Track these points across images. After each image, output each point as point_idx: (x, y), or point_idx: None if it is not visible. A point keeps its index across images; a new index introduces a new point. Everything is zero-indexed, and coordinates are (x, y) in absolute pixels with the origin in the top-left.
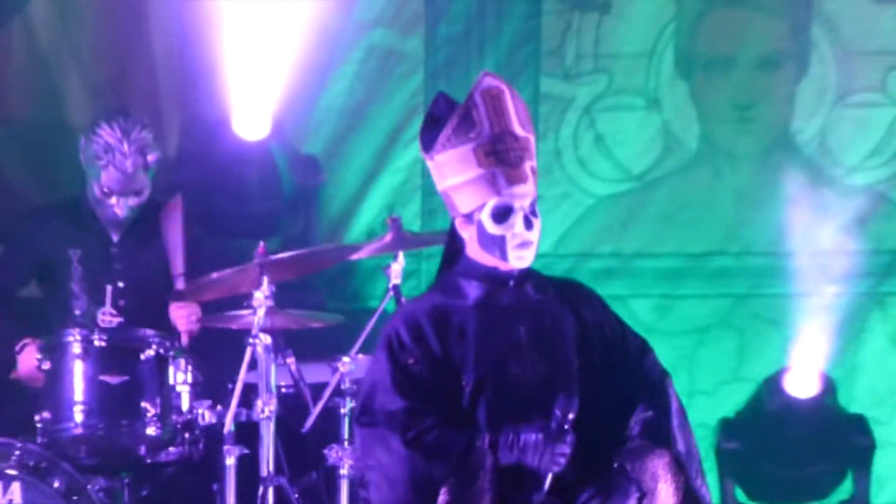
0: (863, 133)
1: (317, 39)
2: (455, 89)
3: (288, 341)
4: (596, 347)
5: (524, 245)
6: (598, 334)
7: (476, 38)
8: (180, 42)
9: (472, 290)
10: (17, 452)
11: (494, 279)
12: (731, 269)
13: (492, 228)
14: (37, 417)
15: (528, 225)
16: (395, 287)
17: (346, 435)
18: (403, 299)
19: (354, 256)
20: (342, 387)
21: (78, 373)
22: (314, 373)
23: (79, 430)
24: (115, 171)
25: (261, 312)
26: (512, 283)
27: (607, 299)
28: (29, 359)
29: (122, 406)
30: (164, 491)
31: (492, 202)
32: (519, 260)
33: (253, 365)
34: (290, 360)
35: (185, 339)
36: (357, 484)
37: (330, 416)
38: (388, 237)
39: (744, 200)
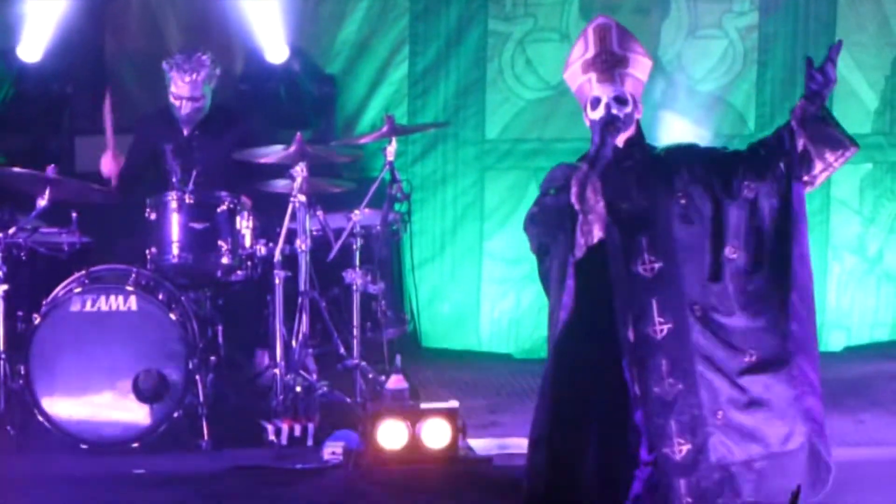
0: (705, 56)
1: None
2: (430, 29)
3: (317, 199)
4: (698, 177)
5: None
6: (701, 168)
7: None
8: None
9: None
10: (134, 275)
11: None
12: None
13: (591, 114)
14: (146, 251)
15: (608, 110)
16: (391, 163)
17: (357, 262)
18: (395, 170)
19: (362, 141)
20: (354, 231)
21: (174, 221)
22: (335, 221)
23: (175, 260)
24: (179, 82)
25: (299, 180)
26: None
27: (534, 172)
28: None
29: (204, 243)
30: (233, 301)
31: (589, 97)
32: None
33: (293, 216)
34: (319, 213)
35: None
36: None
37: (346, 250)
38: (385, 128)
39: None
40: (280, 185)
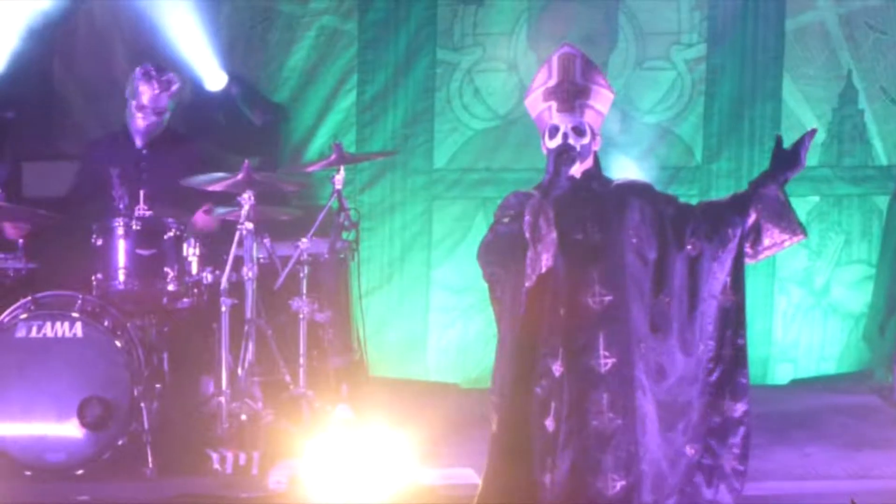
0: (653, 88)
1: (284, 22)
2: (379, 57)
3: (265, 227)
4: (648, 220)
5: None
6: (652, 211)
7: (393, 22)
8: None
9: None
10: (79, 301)
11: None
12: None
13: (548, 143)
14: (93, 277)
15: (565, 139)
16: (338, 191)
17: (304, 290)
18: (343, 199)
19: (310, 169)
20: (301, 258)
21: (121, 247)
22: (283, 249)
23: (121, 286)
24: (148, 92)
25: (246, 207)
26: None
27: (482, 202)
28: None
29: (151, 270)
30: (179, 328)
31: (548, 126)
32: None
33: (240, 243)
34: (266, 240)
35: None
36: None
37: (294, 278)
38: (333, 156)
39: None
40: (228, 211)
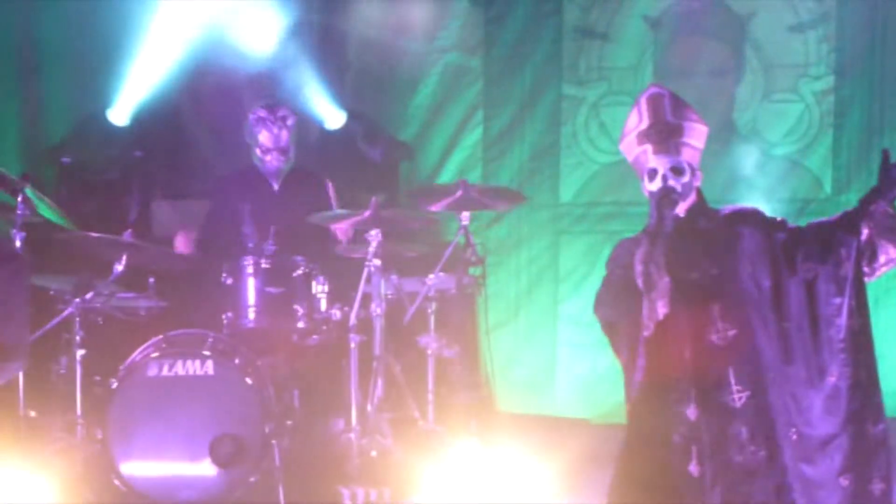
0: (781, 120)
1: (411, 60)
2: (504, 93)
3: (392, 263)
4: (759, 247)
5: None
6: (762, 237)
7: (518, 57)
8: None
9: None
10: (210, 339)
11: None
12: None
13: (648, 186)
14: (223, 316)
15: (664, 181)
16: (465, 227)
17: (432, 326)
18: (470, 234)
19: (438, 207)
20: (429, 294)
21: (250, 285)
22: (410, 285)
23: (252, 324)
24: (267, 134)
25: (374, 244)
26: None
27: (609, 236)
28: (182, 240)
29: (280, 308)
30: (309, 365)
31: (646, 169)
32: None
33: (368, 279)
34: (394, 277)
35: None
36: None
37: (421, 314)
38: (460, 193)
39: (701, 166)
40: (356, 248)
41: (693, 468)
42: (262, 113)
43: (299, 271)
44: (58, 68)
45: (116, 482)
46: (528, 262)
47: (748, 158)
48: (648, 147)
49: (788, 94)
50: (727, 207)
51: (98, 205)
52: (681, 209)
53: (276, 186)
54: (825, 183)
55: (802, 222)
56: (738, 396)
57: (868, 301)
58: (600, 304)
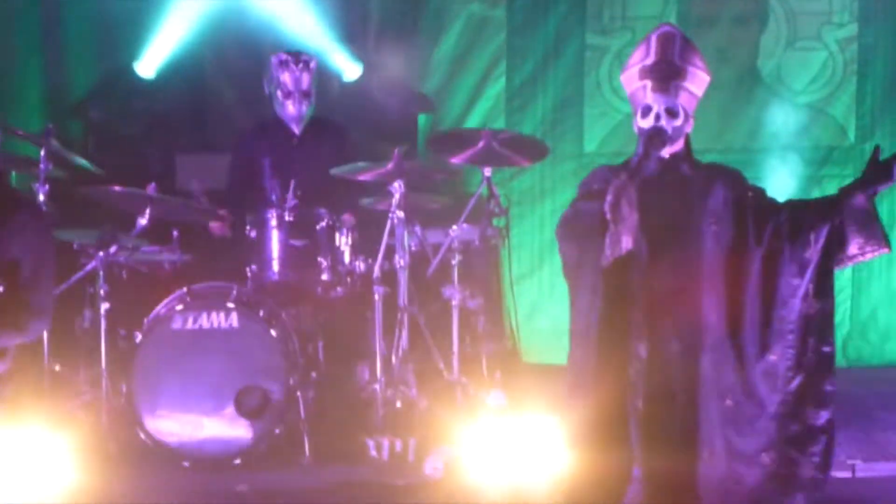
0: (805, 68)
1: (433, 11)
2: (528, 43)
3: (416, 215)
4: (730, 208)
5: None
6: (735, 199)
7: (541, 7)
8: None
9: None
10: (234, 292)
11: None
12: (716, 161)
13: (640, 122)
14: (247, 268)
15: (657, 119)
16: (488, 178)
17: (455, 278)
18: (493, 185)
19: (460, 158)
20: (452, 246)
21: (274, 238)
22: (434, 236)
23: (276, 277)
24: (289, 76)
25: (397, 196)
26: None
27: None
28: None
29: (304, 260)
30: (333, 317)
31: (641, 104)
32: None
33: (392, 231)
34: (417, 228)
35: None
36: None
37: (445, 265)
38: (482, 144)
39: (726, 114)
40: (380, 200)
41: (639, 404)
42: (284, 56)
43: (323, 223)
44: (81, 22)
45: (141, 435)
46: (551, 213)
47: (772, 107)
48: (648, 83)
49: (812, 41)
50: (711, 162)
51: (122, 158)
52: (666, 152)
53: (296, 131)
54: (849, 131)
55: (827, 170)
56: (675, 348)
57: (833, 289)
58: (566, 238)
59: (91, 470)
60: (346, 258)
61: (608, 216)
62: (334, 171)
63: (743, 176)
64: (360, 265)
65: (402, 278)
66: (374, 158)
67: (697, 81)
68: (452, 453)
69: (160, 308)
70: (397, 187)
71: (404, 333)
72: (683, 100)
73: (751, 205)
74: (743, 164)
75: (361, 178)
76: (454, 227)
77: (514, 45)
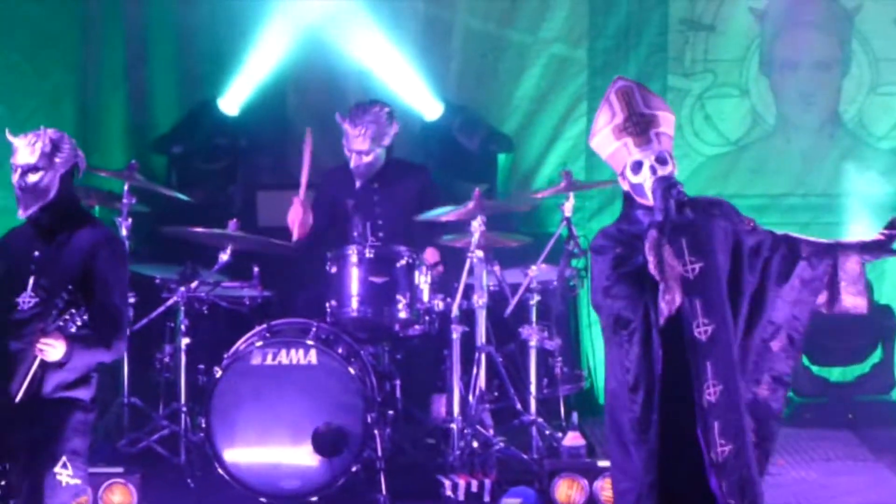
0: (887, 113)
1: (514, 51)
2: (609, 83)
3: (494, 255)
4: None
5: None
6: (731, 230)
7: (623, 48)
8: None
9: (643, 217)
10: (314, 329)
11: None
12: (798, 205)
13: (633, 178)
14: (326, 304)
15: (653, 171)
16: (568, 218)
17: (533, 318)
18: (572, 226)
19: (539, 196)
20: (531, 286)
21: (354, 275)
22: (512, 276)
23: (355, 314)
24: (350, 134)
25: (476, 235)
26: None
27: None
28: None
29: (383, 298)
30: (411, 355)
31: (628, 162)
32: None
33: (470, 271)
34: (496, 268)
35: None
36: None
37: (523, 305)
38: (563, 184)
39: (807, 158)
40: (458, 238)
41: (718, 452)
42: (350, 112)
43: (402, 261)
44: (165, 58)
45: (219, 471)
46: None
47: (854, 151)
48: (629, 140)
49: (894, 87)
50: (699, 197)
51: (205, 194)
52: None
53: (358, 184)
54: None
55: None
56: (714, 391)
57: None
58: (612, 297)
59: None
60: (425, 296)
61: (658, 277)
62: (420, 217)
63: (732, 206)
64: (439, 303)
65: (480, 317)
66: (454, 197)
67: (668, 123)
68: (528, 495)
69: (240, 344)
70: (477, 226)
71: (481, 373)
72: (666, 145)
73: (744, 239)
74: (824, 209)
75: (443, 219)
76: (533, 267)
77: (595, 86)
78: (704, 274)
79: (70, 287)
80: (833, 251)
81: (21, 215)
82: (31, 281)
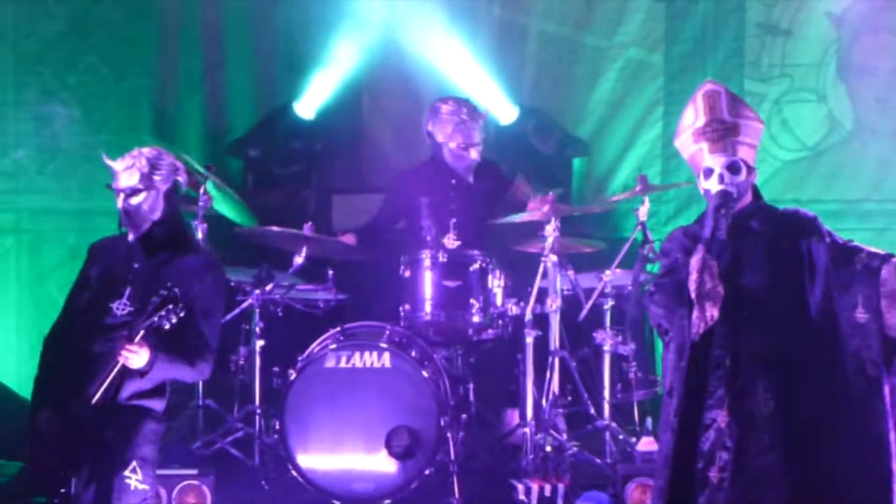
0: None
1: (590, 56)
2: (685, 88)
3: (568, 259)
4: (809, 264)
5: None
6: (802, 246)
7: (700, 53)
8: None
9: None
10: (388, 332)
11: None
12: (874, 210)
13: (703, 184)
14: (400, 308)
15: (721, 180)
16: (643, 223)
17: (607, 323)
18: (647, 231)
19: (614, 200)
20: (605, 290)
21: (428, 279)
22: (586, 281)
23: (428, 317)
24: (466, 129)
25: (550, 239)
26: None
27: None
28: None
29: (457, 302)
30: (484, 359)
31: (702, 167)
32: None
33: (544, 275)
34: (570, 272)
35: None
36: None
37: (597, 310)
38: (638, 188)
39: (884, 164)
40: (532, 243)
41: (713, 474)
42: (461, 112)
43: (476, 265)
44: (242, 62)
45: (293, 473)
46: None
47: None
48: (704, 145)
49: None
50: (786, 209)
51: (280, 197)
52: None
53: (470, 180)
54: None
55: None
56: (767, 404)
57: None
58: (654, 304)
59: None
60: (499, 300)
61: (693, 293)
62: (495, 221)
63: (815, 221)
64: (513, 308)
65: (554, 322)
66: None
67: (752, 132)
68: (602, 500)
69: (314, 346)
70: (551, 230)
71: (555, 377)
72: (742, 153)
73: (815, 252)
74: None
75: (515, 220)
76: (607, 271)
77: (671, 91)
78: (761, 289)
79: (168, 284)
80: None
81: (132, 239)
82: (129, 290)
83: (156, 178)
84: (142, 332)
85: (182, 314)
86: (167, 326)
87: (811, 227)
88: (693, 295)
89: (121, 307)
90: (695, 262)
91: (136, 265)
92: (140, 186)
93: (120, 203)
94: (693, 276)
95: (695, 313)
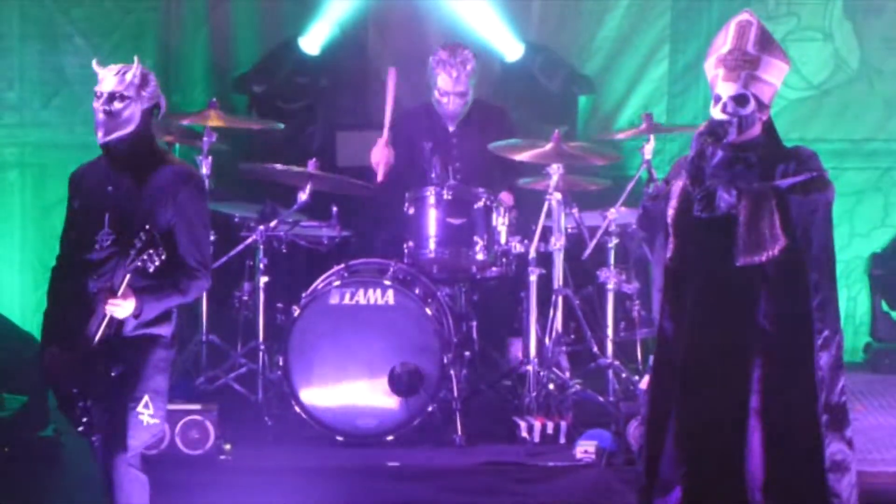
0: None
1: None
2: (692, 27)
3: (573, 197)
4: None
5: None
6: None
7: None
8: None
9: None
10: (391, 269)
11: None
12: (880, 150)
13: (711, 110)
14: (404, 245)
15: (724, 108)
16: (648, 161)
17: (611, 261)
18: (653, 169)
19: (619, 137)
20: (609, 229)
21: (432, 216)
22: (590, 219)
23: (432, 255)
24: (445, 77)
25: (555, 177)
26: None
27: None
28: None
29: (461, 239)
30: (487, 297)
31: (713, 93)
32: None
33: (548, 213)
34: (574, 210)
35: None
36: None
37: (601, 248)
38: (644, 126)
39: (890, 103)
40: (537, 181)
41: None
42: (443, 55)
43: (480, 203)
44: None
45: (296, 409)
46: None
47: None
48: (721, 71)
49: None
50: (791, 147)
51: (284, 133)
52: (740, 138)
53: (450, 127)
54: None
55: None
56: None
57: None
58: (638, 225)
59: (246, 442)
60: (503, 238)
61: (668, 220)
62: (493, 145)
63: (814, 159)
64: (517, 245)
65: (558, 260)
66: (533, 139)
67: (773, 71)
68: (604, 437)
69: (318, 283)
70: (555, 169)
71: (558, 315)
72: (756, 89)
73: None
74: None
75: (519, 158)
76: (612, 209)
77: (678, 29)
78: (708, 226)
79: (147, 227)
80: None
81: (100, 140)
82: (107, 217)
83: (143, 92)
84: (125, 283)
85: (164, 256)
86: (151, 270)
87: (809, 163)
88: (668, 220)
89: (104, 237)
90: (675, 188)
91: (109, 188)
92: (127, 93)
93: (99, 104)
94: (673, 203)
95: (670, 239)
